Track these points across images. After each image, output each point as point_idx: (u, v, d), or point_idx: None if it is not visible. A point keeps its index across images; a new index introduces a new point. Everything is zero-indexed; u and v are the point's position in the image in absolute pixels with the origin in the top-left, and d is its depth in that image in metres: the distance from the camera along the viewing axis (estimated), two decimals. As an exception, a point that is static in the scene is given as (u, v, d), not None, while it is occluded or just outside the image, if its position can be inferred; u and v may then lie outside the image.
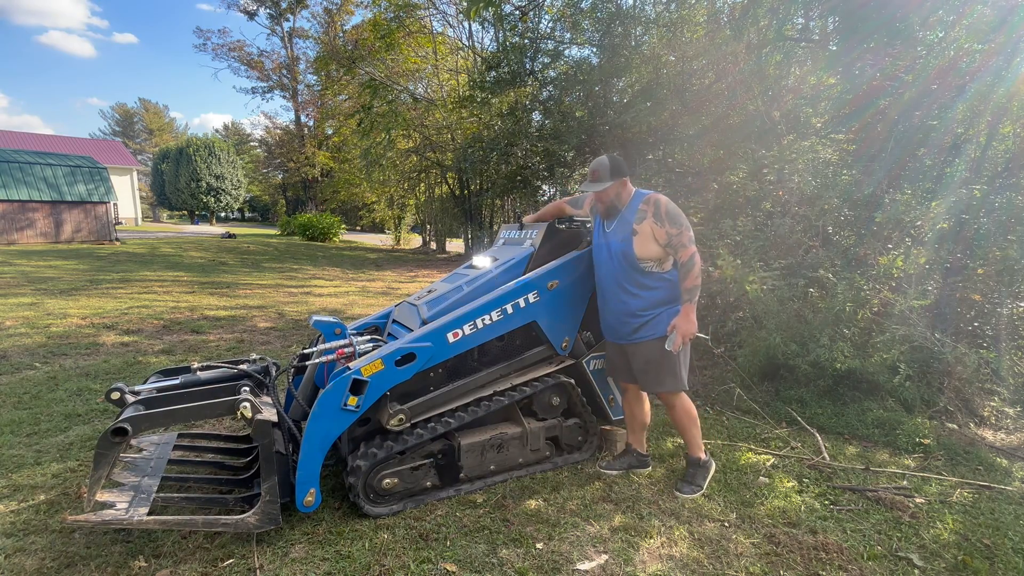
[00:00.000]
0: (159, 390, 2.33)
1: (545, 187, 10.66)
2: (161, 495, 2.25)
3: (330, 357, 2.57)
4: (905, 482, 2.87)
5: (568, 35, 9.08)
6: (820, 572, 2.14)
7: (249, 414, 2.07)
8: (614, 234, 2.67)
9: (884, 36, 4.11)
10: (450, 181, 17.56)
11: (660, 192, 2.68)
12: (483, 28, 14.54)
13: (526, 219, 3.28)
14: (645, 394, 2.91)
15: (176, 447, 2.76)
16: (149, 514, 2.02)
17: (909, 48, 4.10)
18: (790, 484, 2.83)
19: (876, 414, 3.55)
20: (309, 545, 2.22)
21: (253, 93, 36.78)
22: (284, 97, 33.66)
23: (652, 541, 2.32)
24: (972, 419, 3.63)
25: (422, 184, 19.96)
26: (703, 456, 2.80)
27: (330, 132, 29.78)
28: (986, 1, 3.79)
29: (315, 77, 29.10)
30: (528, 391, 2.81)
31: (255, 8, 30.44)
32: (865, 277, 3.75)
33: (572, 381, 2.95)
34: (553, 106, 8.99)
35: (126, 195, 28.05)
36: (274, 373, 2.57)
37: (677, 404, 2.73)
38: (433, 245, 21.85)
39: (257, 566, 2.07)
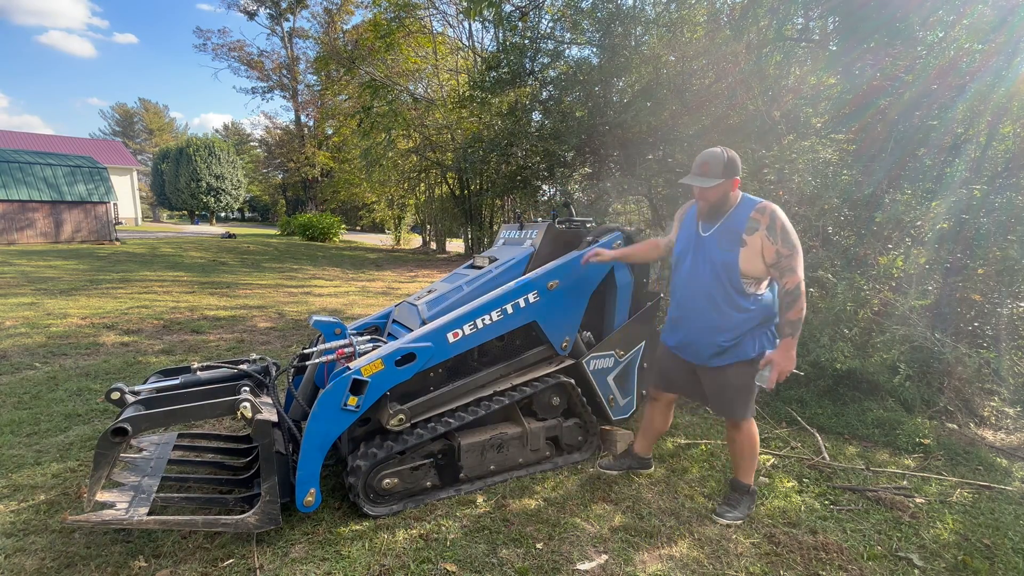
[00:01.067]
0: (159, 390, 2.33)
1: (545, 187, 10.67)
2: (161, 495, 2.24)
3: (330, 357, 2.57)
4: (905, 482, 2.87)
5: (568, 35, 9.09)
6: (820, 572, 2.14)
7: (249, 414, 2.07)
8: (714, 241, 2.35)
9: (884, 36, 4.11)
10: (450, 181, 17.57)
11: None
12: (483, 28, 14.55)
13: (618, 252, 2.87)
14: (673, 407, 2.85)
15: (176, 447, 2.76)
16: (149, 514, 2.02)
17: (909, 48, 4.10)
18: (790, 484, 2.83)
19: (876, 414, 3.55)
20: (309, 545, 2.22)
21: (253, 93, 36.87)
22: (284, 97, 33.70)
23: (652, 541, 2.32)
24: (972, 419, 3.63)
25: (422, 184, 19.97)
26: (753, 485, 2.59)
27: (330, 132, 29.78)
28: (986, 1, 3.79)
29: (315, 77, 29.11)
30: (528, 391, 2.81)
31: (255, 8, 30.46)
32: (865, 277, 3.75)
33: (572, 381, 2.95)
34: (553, 106, 9.00)
35: (126, 195, 28.05)
36: (274, 373, 2.57)
37: (744, 429, 2.50)
38: (433, 245, 21.85)
39: (257, 566, 2.07)
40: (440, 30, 16.17)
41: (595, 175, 8.75)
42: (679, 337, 2.54)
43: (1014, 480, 2.92)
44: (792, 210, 4.39)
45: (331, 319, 2.73)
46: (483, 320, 2.67)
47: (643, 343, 3.22)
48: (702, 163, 2.32)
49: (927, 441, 3.26)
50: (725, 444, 3.31)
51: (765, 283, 2.33)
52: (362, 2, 24.69)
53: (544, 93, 9.64)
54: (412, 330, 2.71)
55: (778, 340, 2.30)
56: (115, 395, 2.20)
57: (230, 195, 35.92)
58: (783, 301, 2.25)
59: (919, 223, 3.88)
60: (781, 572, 2.14)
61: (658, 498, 2.67)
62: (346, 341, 2.63)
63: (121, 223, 23.27)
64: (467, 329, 2.63)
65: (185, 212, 37.33)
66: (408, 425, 2.50)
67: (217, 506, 2.41)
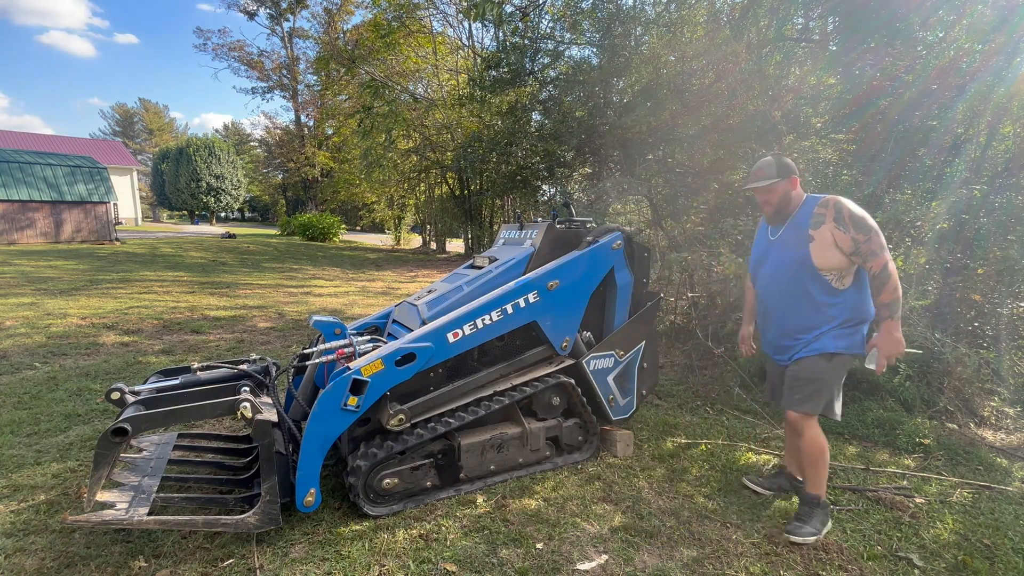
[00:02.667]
0: (159, 390, 2.33)
1: (545, 187, 10.67)
2: (161, 495, 2.24)
3: (330, 357, 2.57)
4: (905, 482, 2.87)
5: (568, 35, 9.09)
6: (820, 572, 2.14)
7: (249, 414, 2.07)
8: (783, 242, 2.41)
9: (884, 36, 4.11)
10: (450, 181, 17.57)
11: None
12: (484, 27, 14.55)
13: (747, 327, 2.86)
14: None
15: (176, 447, 2.76)
16: (149, 514, 2.02)
17: (909, 48, 4.10)
18: (790, 484, 2.82)
19: (876, 414, 3.55)
20: (309, 545, 2.22)
21: (253, 93, 36.78)
22: (284, 97, 33.67)
23: (652, 541, 2.32)
24: (972, 419, 3.63)
25: (422, 184, 19.96)
26: (824, 497, 2.43)
27: (330, 132, 29.78)
28: (986, 1, 3.78)
29: (315, 77, 29.13)
30: (528, 391, 2.81)
31: (255, 8, 30.43)
32: (865, 277, 3.74)
33: (572, 381, 2.95)
34: (553, 106, 9.00)
35: (126, 195, 28.04)
36: (274, 373, 2.57)
37: (806, 433, 2.37)
38: (433, 245, 21.85)
39: (257, 566, 2.07)
40: (440, 30, 16.19)
41: (595, 175, 8.75)
42: (767, 340, 2.60)
43: (1014, 480, 2.92)
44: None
45: (331, 319, 2.73)
46: (483, 320, 2.67)
47: (643, 343, 3.22)
48: (756, 169, 2.45)
49: (927, 441, 3.26)
50: (725, 444, 3.30)
51: (849, 279, 2.29)
52: (362, 2, 24.68)
53: (544, 93, 9.64)
54: (412, 330, 2.71)
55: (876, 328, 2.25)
56: (115, 395, 2.21)
57: (230, 195, 35.92)
58: (873, 285, 2.23)
59: (919, 223, 3.88)
60: (781, 572, 2.14)
61: (658, 498, 2.67)
62: (346, 341, 2.63)
63: (121, 223, 23.28)
64: (467, 329, 2.63)
65: (185, 212, 37.33)
66: (408, 425, 2.50)
67: (217, 506, 2.41)
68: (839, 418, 2.44)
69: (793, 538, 2.31)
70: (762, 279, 2.54)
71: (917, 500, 2.69)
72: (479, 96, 10.37)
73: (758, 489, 2.73)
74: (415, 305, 2.91)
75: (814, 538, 2.31)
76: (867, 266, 2.21)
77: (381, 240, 24.75)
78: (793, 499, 2.67)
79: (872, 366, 2.23)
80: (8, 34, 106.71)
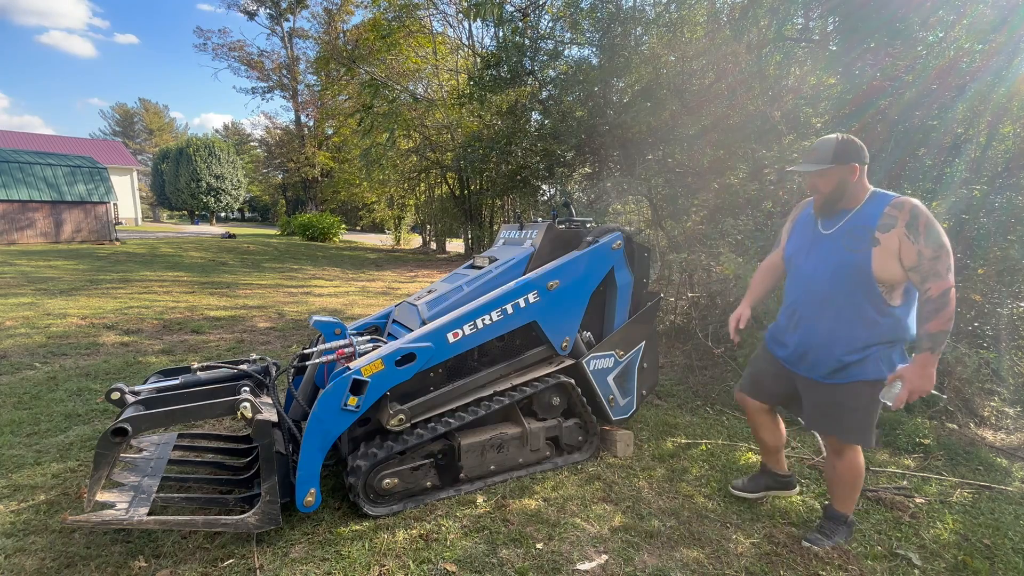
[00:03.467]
0: (159, 390, 2.33)
1: (545, 187, 10.68)
2: (161, 495, 2.24)
3: (330, 357, 2.57)
4: (905, 482, 2.87)
5: (568, 35, 9.09)
6: (820, 572, 2.14)
7: (249, 414, 2.07)
8: (837, 239, 2.06)
9: (884, 36, 4.11)
10: (450, 181, 17.57)
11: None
12: (484, 27, 14.55)
13: (744, 306, 2.52)
14: (777, 415, 2.53)
15: (176, 447, 2.76)
16: (149, 514, 2.02)
17: (909, 48, 4.10)
18: (790, 484, 2.82)
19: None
20: (309, 545, 2.22)
21: (253, 93, 36.71)
22: (284, 97, 33.68)
23: (652, 541, 2.32)
24: (972, 419, 3.63)
25: (422, 184, 19.97)
26: (851, 515, 2.32)
27: (330, 132, 29.80)
28: (986, 1, 3.79)
29: (315, 77, 29.10)
30: (528, 391, 2.81)
31: (255, 8, 30.45)
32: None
33: (572, 381, 2.95)
34: (553, 106, 9.00)
35: (126, 195, 28.04)
36: (274, 373, 2.57)
37: (848, 458, 2.19)
38: (433, 245, 21.85)
39: (257, 566, 2.07)
40: (440, 30, 16.19)
41: (595, 175, 8.75)
42: (791, 346, 2.23)
43: (1014, 480, 2.92)
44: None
45: (331, 319, 2.73)
46: (483, 320, 2.67)
47: (643, 343, 3.22)
48: (811, 149, 2.09)
49: (927, 441, 3.26)
50: (725, 444, 3.30)
51: (899, 295, 2.00)
52: (362, 2, 24.68)
53: (544, 93, 9.64)
54: (412, 330, 2.71)
55: (912, 356, 1.97)
56: (115, 395, 2.21)
57: (230, 195, 35.92)
58: (924, 310, 1.90)
59: (919, 223, 3.88)
60: (781, 572, 2.14)
61: (658, 498, 2.67)
62: (346, 341, 2.63)
63: (121, 223, 23.28)
64: (467, 329, 2.63)
65: (185, 212, 37.34)
66: (408, 425, 2.50)
67: (217, 506, 2.41)
68: (873, 446, 2.22)
69: (812, 545, 2.25)
70: (800, 274, 2.20)
71: (917, 500, 2.69)
72: (479, 96, 10.37)
73: (747, 495, 2.62)
74: (415, 305, 2.92)
75: (832, 547, 2.26)
76: (925, 286, 1.89)
77: (381, 240, 24.76)
78: (792, 497, 2.67)
79: (888, 401, 1.95)
80: (8, 34, 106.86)
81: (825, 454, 2.28)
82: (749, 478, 2.67)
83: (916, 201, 1.95)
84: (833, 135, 2.05)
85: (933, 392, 2.04)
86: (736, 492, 2.63)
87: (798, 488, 2.69)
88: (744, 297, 2.56)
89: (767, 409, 2.50)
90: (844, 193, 2.04)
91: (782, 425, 2.58)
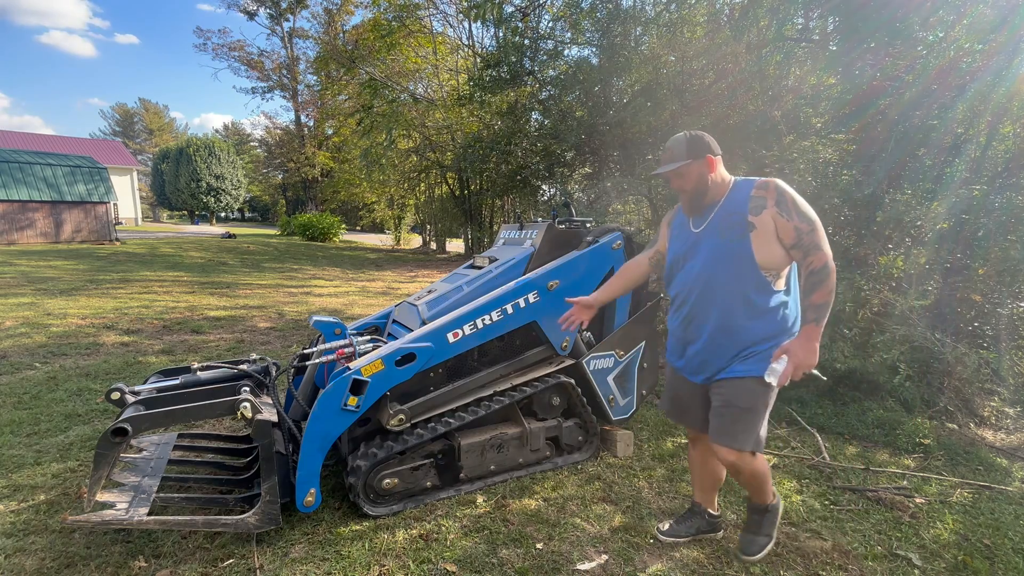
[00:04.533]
0: (159, 390, 2.33)
1: (545, 187, 10.68)
2: (161, 495, 2.24)
3: (330, 357, 2.57)
4: (905, 482, 2.87)
5: (568, 35, 9.09)
6: (820, 572, 2.14)
7: (249, 414, 2.07)
8: (712, 234, 1.98)
9: (884, 36, 4.11)
10: (450, 181, 17.58)
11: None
12: (483, 27, 14.55)
13: (594, 296, 2.38)
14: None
15: (176, 447, 2.76)
16: (149, 514, 2.02)
17: (909, 48, 4.09)
18: (790, 484, 2.83)
19: (876, 414, 3.55)
20: (309, 545, 2.22)
21: (253, 93, 36.75)
22: (284, 97, 33.69)
23: (652, 541, 2.32)
24: (972, 419, 3.63)
25: (422, 184, 19.98)
26: (771, 500, 2.20)
27: (330, 132, 29.80)
28: (986, 1, 3.78)
29: (315, 77, 29.14)
30: (528, 391, 2.81)
31: (255, 8, 30.44)
32: (865, 277, 3.75)
33: (572, 381, 2.95)
34: (553, 106, 8.99)
35: (126, 195, 28.04)
36: (274, 373, 2.57)
37: (746, 469, 2.02)
38: (433, 245, 21.86)
39: (257, 566, 2.07)
40: (440, 30, 16.20)
41: (595, 175, 8.75)
42: (689, 354, 2.10)
43: (1014, 480, 2.92)
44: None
45: (331, 319, 2.73)
46: (483, 320, 2.67)
47: (643, 343, 3.22)
48: (666, 149, 2.06)
49: (927, 441, 3.26)
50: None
51: (783, 279, 1.94)
52: (362, 2, 24.70)
53: (544, 93, 9.63)
54: (412, 330, 2.71)
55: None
56: (115, 395, 2.21)
57: (230, 195, 35.91)
58: (808, 283, 1.84)
59: (919, 223, 3.88)
60: (781, 572, 2.14)
61: (658, 498, 2.67)
62: (346, 341, 2.63)
63: (121, 223, 23.28)
64: (467, 329, 2.63)
65: (185, 212, 37.33)
66: (408, 425, 2.50)
67: (217, 506, 2.41)
68: (762, 450, 2.04)
69: (749, 558, 2.16)
70: (687, 279, 2.07)
71: (917, 500, 2.69)
72: (479, 96, 10.37)
73: (675, 540, 2.31)
74: (415, 305, 2.92)
75: (770, 546, 2.19)
76: (807, 260, 1.84)
77: (381, 240, 24.76)
78: (793, 497, 2.67)
79: (772, 380, 1.83)
80: (8, 34, 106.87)
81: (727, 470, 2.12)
82: (677, 520, 2.38)
83: (778, 180, 1.91)
84: (681, 133, 2.03)
85: (814, 371, 1.88)
86: (663, 538, 2.32)
87: (722, 532, 2.39)
88: (597, 290, 2.41)
89: (701, 437, 2.23)
90: (707, 187, 1.99)
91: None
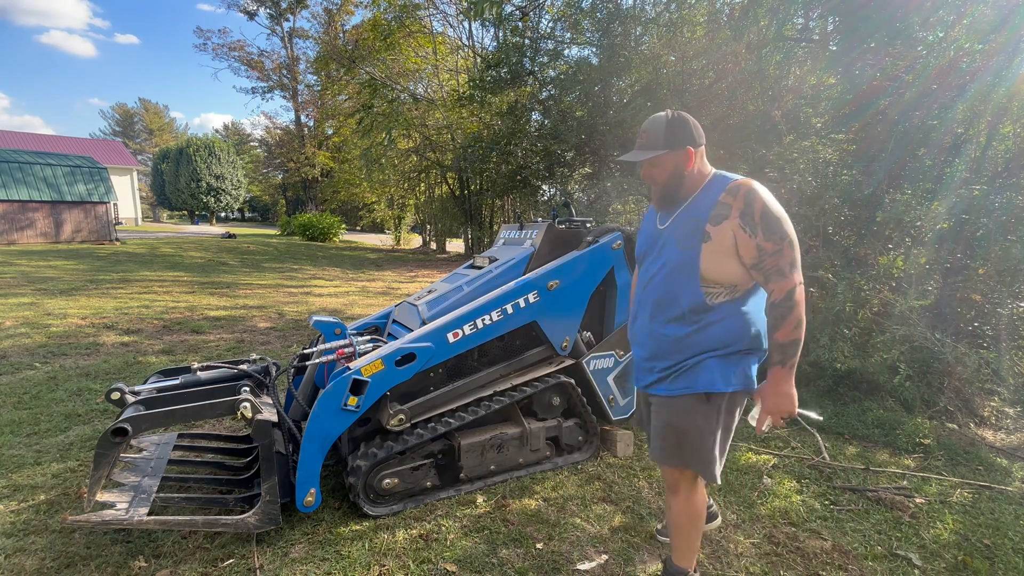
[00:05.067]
0: (159, 390, 2.33)
1: (545, 187, 10.68)
2: (161, 495, 2.25)
3: (330, 357, 2.57)
4: (905, 482, 2.87)
5: (568, 35, 9.09)
6: (820, 572, 2.14)
7: (249, 414, 2.07)
8: (672, 233, 1.75)
9: (884, 36, 4.11)
10: (450, 181, 17.58)
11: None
12: (483, 27, 14.56)
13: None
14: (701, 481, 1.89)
15: (176, 447, 2.76)
16: (149, 514, 2.02)
17: (909, 48, 4.10)
18: (790, 484, 2.83)
19: (876, 414, 3.55)
20: (309, 545, 2.22)
21: (253, 93, 36.85)
22: (284, 97, 33.71)
23: (652, 541, 2.32)
24: (972, 419, 3.63)
25: (422, 184, 19.99)
26: (693, 570, 1.92)
27: (330, 132, 29.80)
28: (986, 1, 3.79)
29: (315, 77, 29.14)
30: (528, 391, 2.81)
31: (255, 8, 30.46)
32: (865, 277, 3.75)
33: (572, 381, 2.95)
34: (553, 106, 9.00)
35: (126, 195, 28.03)
36: (274, 373, 2.57)
37: (682, 493, 1.82)
38: (433, 245, 21.86)
39: (257, 566, 2.07)
40: (440, 30, 16.20)
41: (595, 175, 8.75)
42: (636, 360, 1.92)
43: (1014, 480, 2.92)
44: (792, 210, 4.39)
45: (331, 319, 2.73)
46: (483, 320, 2.67)
47: (643, 343, 3.22)
48: (641, 132, 1.77)
49: (927, 441, 3.26)
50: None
51: (741, 293, 1.69)
52: (362, 2, 24.68)
53: (544, 93, 9.64)
54: (412, 330, 2.71)
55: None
56: (115, 395, 2.21)
57: (230, 195, 35.91)
58: (770, 317, 1.61)
59: (919, 223, 3.88)
60: (781, 572, 2.14)
61: (658, 498, 2.67)
62: (346, 341, 2.63)
63: (121, 223, 23.26)
64: (467, 329, 2.63)
65: (185, 212, 37.32)
66: (408, 425, 2.50)
67: (217, 506, 2.41)
68: (718, 482, 1.81)
69: None
70: (641, 276, 1.88)
71: (917, 500, 2.69)
72: (479, 96, 10.38)
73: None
74: (415, 305, 2.92)
75: None
76: (768, 287, 1.60)
77: (381, 240, 24.76)
78: (793, 497, 2.67)
79: (753, 423, 1.71)
80: (8, 34, 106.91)
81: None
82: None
83: (754, 184, 1.63)
84: (662, 114, 1.74)
85: (802, 413, 1.67)
86: (663, 538, 2.29)
87: (719, 520, 2.39)
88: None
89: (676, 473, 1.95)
90: (680, 182, 1.74)
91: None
